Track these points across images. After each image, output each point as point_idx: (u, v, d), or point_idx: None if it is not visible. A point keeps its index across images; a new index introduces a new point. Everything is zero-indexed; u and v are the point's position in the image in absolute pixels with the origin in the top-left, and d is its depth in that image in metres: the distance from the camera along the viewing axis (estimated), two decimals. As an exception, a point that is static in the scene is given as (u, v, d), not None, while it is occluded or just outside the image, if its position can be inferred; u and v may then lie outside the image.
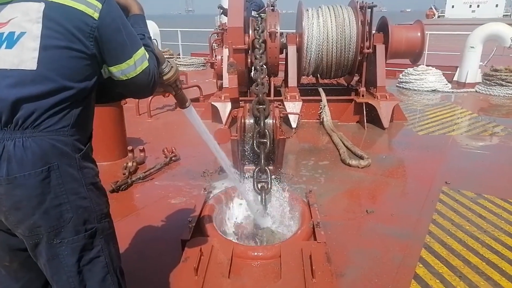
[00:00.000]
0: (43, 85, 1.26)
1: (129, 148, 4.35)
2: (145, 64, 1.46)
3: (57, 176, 1.31)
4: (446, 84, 8.72)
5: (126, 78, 1.44)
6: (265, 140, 3.27)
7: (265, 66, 4.33)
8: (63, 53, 1.28)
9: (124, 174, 4.01)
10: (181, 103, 1.98)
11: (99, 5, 1.33)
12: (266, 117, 3.36)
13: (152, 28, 12.32)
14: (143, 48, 1.46)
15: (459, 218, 3.23)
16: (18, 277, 1.54)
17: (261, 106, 3.39)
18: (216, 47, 7.13)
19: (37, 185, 1.28)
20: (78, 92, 1.34)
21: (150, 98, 6.26)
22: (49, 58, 1.26)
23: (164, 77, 1.73)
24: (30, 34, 1.26)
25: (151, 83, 1.50)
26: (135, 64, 1.43)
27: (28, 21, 1.26)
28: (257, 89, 3.59)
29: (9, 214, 1.31)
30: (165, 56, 1.73)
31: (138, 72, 1.44)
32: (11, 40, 1.26)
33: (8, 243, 1.45)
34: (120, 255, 1.65)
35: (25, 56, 1.25)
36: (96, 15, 1.32)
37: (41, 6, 1.27)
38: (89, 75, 1.38)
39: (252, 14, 6.74)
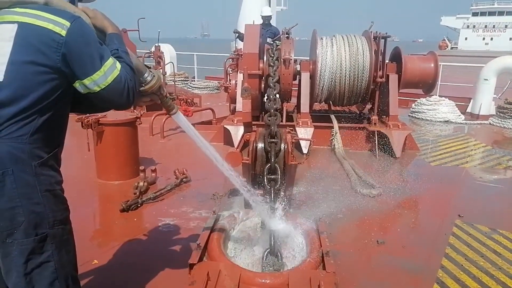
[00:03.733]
0: (6, 95, 1.40)
1: (141, 168, 4.39)
2: (116, 72, 1.54)
3: (11, 181, 1.41)
4: (459, 116, 8.68)
5: (100, 88, 1.52)
6: (276, 177, 3.25)
7: (278, 96, 4.29)
8: (28, 67, 1.43)
9: (135, 193, 4.03)
10: (168, 109, 2.02)
11: (67, 24, 1.47)
12: (277, 153, 3.33)
13: (169, 51, 12.69)
14: (112, 58, 1.55)
15: (472, 253, 3.15)
16: None
17: (273, 140, 3.38)
18: (230, 72, 7.27)
19: None
20: (40, 103, 1.46)
21: (164, 119, 6.38)
22: (15, 71, 1.42)
23: (147, 86, 1.82)
24: (1, 50, 1.43)
25: (125, 91, 1.57)
26: (105, 74, 1.51)
27: (1, 40, 1.44)
28: (269, 120, 3.56)
29: None
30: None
31: (110, 81, 1.52)
32: None
33: None
34: (77, 264, 1.69)
35: None
36: (63, 32, 1.45)
37: (15, 27, 1.45)
38: (53, 88, 1.49)
39: (268, 41, 6.89)
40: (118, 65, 1.56)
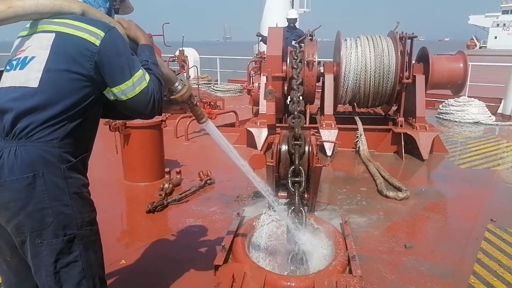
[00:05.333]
0: (40, 100, 1.46)
1: (166, 170, 4.45)
2: (144, 84, 1.58)
3: (41, 183, 1.46)
4: (490, 117, 8.38)
5: (126, 98, 1.58)
6: (300, 179, 3.23)
7: (301, 98, 4.25)
8: (62, 75, 1.49)
9: (160, 195, 4.09)
10: (198, 118, 2.05)
11: (102, 34, 1.53)
12: (301, 156, 3.31)
13: (193, 55, 12.87)
14: (142, 70, 1.60)
15: (506, 259, 3.02)
16: (17, 272, 1.69)
17: (297, 143, 3.36)
18: (253, 74, 7.30)
19: (23, 189, 1.44)
20: (71, 110, 1.51)
21: (188, 122, 6.46)
22: (49, 78, 1.48)
23: (178, 94, 1.85)
24: (38, 58, 1.50)
25: (150, 103, 1.61)
26: (133, 85, 1.57)
27: (40, 48, 1.52)
28: (293, 122, 3.54)
29: (0, 213, 1.49)
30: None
31: (137, 92, 1.57)
32: (23, 63, 1.52)
33: (10, 239, 1.56)
34: (104, 264, 1.72)
35: (30, 75, 1.48)
36: (97, 42, 1.52)
37: (52, 36, 1.52)
38: (84, 96, 1.54)
39: (292, 44, 6.87)
40: (147, 77, 1.60)
